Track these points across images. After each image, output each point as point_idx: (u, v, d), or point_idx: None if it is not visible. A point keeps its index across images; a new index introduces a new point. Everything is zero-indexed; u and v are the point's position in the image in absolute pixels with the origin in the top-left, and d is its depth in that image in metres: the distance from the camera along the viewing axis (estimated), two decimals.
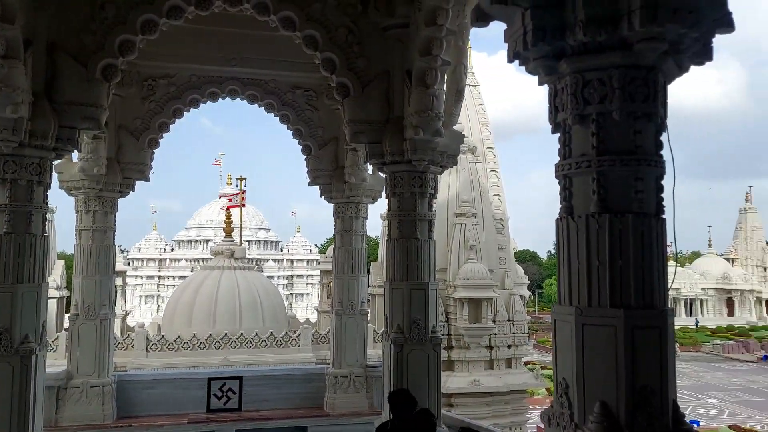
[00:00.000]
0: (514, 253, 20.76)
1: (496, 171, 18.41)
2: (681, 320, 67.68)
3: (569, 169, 3.15)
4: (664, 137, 3.14)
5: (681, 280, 69.96)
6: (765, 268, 74.39)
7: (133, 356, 14.08)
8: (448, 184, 17.13)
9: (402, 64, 6.23)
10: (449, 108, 6.75)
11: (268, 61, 8.87)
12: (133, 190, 9.08)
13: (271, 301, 17.28)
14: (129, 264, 51.00)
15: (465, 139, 16.95)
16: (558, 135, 3.25)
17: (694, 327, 62.16)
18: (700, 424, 29.37)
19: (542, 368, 42.94)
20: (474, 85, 18.01)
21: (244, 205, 28.37)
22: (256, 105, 9.25)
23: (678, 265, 74.26)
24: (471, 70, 18.22)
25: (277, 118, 9.33)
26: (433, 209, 6.74)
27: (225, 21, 7.87)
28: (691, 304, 71.34)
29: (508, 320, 16.79)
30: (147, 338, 14.33)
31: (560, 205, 3.23)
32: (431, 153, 6.27)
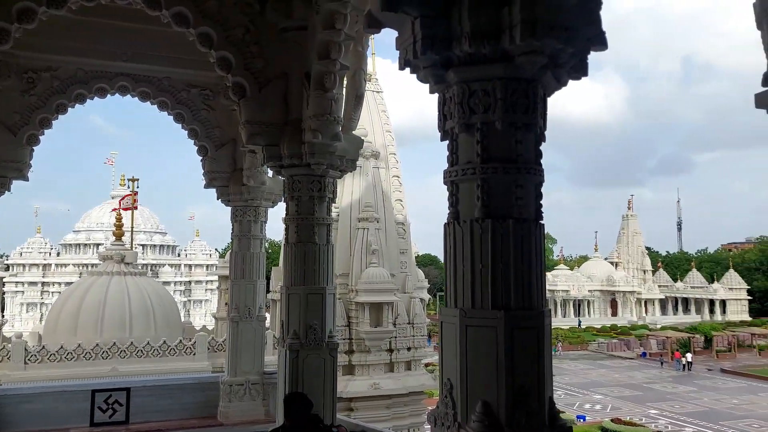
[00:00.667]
0: (416, 257, 21.18)
1: (398, 176, 18.69)
2: (569, 321, 71.83)
3: (456, 176, 3.24)
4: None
5: (570, 283, 74.28)
6: (644, 271, 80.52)
7: (9, 369, 13.02)
8: (352, 189, 17.20)
9: (301, 66, 6.18)
10: (349, 112, 6.78)
11: (161, 58, 8.52)
12: (9, 190, 8.40)
13: (165, 307, 16.56)
14: (8, 269, 47.14)
15: (368, 144, 17.22)
16: (446, 142, 3.35)
17: (577, 327, 66.17)
18: (586, 418, 31.26)
19: None
20: (377, 91, 18.22)
21: (136, 207, 27.03)
22: (149, 103, 8.85)
23: (567, 268, 78.80)
24: (374, 76, 18.44)
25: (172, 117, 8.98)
26: (332, 213, 6.73)
27: (115, 14, 7.47)
28: (579, 305, 75.84)
29: (409, 323, 17.06)
30: (25, 349, 13.29)
31: (448, 211, 3.32)
32: (330, 157, 6.26)
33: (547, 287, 54.06)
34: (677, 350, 49.43)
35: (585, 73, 3.33)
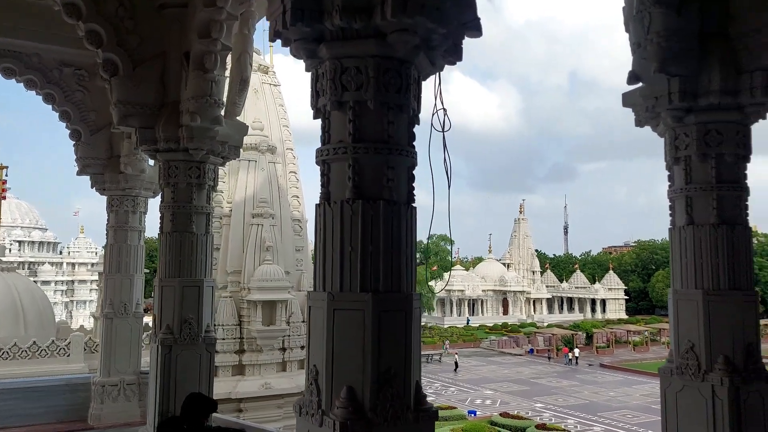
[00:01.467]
0: (312, 254, 20.89)
1: (295, 172, 18.38)
2: (463, 319, 74.20)
3: (327, 155, 3.13)
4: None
5: (465, 283, 76.75)
6: (533, 272, 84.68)
7: None
8: (246, 183, 16.70)
9: (180, 45, 5.83)
10: (233, 97, 6.51)
11: (30, 32, 7.77)
12: None
13: (37, 306, 15.29)
14: None
15: (264, 139, 16.82)
16: (319, 121, 3.23)
17: (466, 325, 68.53)
18: (477, 413, 32.31)
19: None
20: (275, 85, 17.83)
21: (4, 197, 24.78)
22: (14, 80, 8.08)
23: (463, 269, 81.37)
24: (272, 69, 18.04)
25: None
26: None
27: None
28: (473, 304, 78.54)
29: (303, 321, 16.80)
30: None
31: (319, 192, 3.20)
32: (210, 142, 5.96)
33: (444, 287, 55.36)
34: (565, 346, 52.55)
35: (459, 58, 3.32)
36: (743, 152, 4.35)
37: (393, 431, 2.88)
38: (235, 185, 16.68)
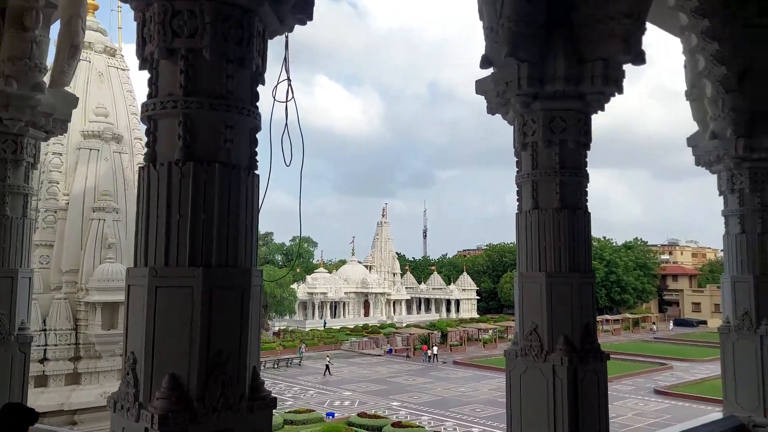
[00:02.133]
0: None
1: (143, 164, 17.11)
2: (328, 322, 74.16)
3: (154, 110, 2.73)
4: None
5: (328, 285, 76.79)
6: (394, 274, 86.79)
7: None
8: (86, 174, 15.20)
9: None
10: (61, 64, 5.75)
11: None
12: None
13: None
14: None
15: (109, 126, 15.44)
16: (146, 72, 2.82)
17: (323, 328, 68.53)
18: (335, 415, 32.23)
19: None
20: (123, 69, 16.46)
21: None
22: None
23: (326, 271, 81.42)
24: (120, 52, 16.66)
25: None
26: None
27: None
28: (335, 307, 78.77)
29: None
30: None
31: (144, 152, 2.79)
32: (30, 112, 5.19)
33: (307, 290, 54.87)
34: (425, 344, 54.47)
35: (309, 17, 3.08)
36: (584, 140, 4.54)
37: (224, 423, 2.55)
38: (73, 175, 15.15)
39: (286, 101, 3.08)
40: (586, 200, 4.55)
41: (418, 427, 28.88)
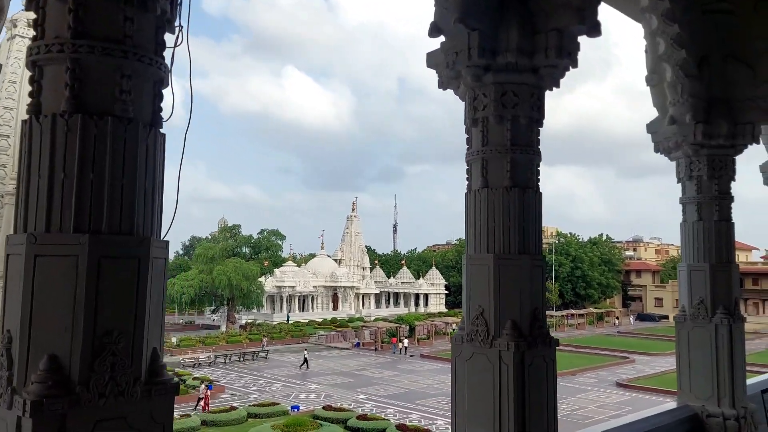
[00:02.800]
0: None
1: (15, 83, 16.15)
2: (294, 316, 73.72)
3: (39, 54, 2.39)
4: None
5: (297, 279, 76.22)
6: (363, 268, 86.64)
7: None
8: None
9: None
10: None
11: None
12: None
13: None
14: None
15: None
16: (32, 13, 2.48)
17: (286, 322, 67.93)
18: (300, 408, 31.93)
19: None
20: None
21: None
22: None
23: (295, 265, 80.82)
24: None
25: None
26: None
27: None
28: (304, 300, 78.28)
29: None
30: None
31: (27, 103, 2.45)
32: None
33: (275, 283, 54.49)
34: (393, 337, 54.71)
35: None
36: (537, 116, 4.31)
37: (114, 409, 2.24)
38: None
39: (174, 46, 2.76)
40: (538, 179, 4.33)
41: (383, 419, 28.77)
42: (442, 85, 4.61)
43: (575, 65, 4.25)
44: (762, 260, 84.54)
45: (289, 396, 35.89)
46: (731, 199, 6.64)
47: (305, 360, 45.20)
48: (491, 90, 4.22)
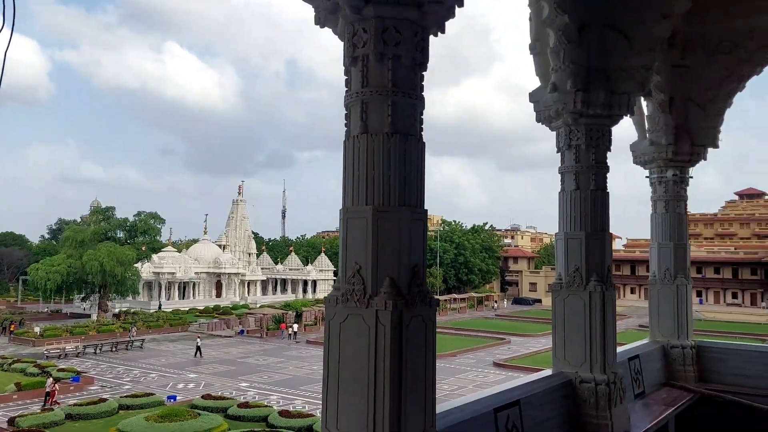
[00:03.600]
0: None
1: None
2: (173, 303, 70.41)
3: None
4: None
5: (177, 265, 72.69)
6: (250, 254, 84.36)
7: None
8: None
9: None
10: None
11: None
12: None
13: None
14: None
15: None
16: None
17: (158, 310, 64.89)
18: (177, 398, 30.38)
19: (15, 362, 37.58)
20: None
21: None
22: None
23: (175, 250, 77.03)
24: None
25: None
26: None
27: None
28: (185, 288, 74.90)
29: None
30: None
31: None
32: None
33: (153, 269, 51.83)
34: (282, 323, 53.93)
35: None
36: (421, 58, 3.98)
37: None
38: None
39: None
40: (422, 128, 4.00)
41: (266, 406, 28.04)
42: (320, 21, 4.16)
43: (460, 4, 3.96)
44: (623, 248, 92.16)
45: (166, 386, 34.08)
46: (607, 168, 6.76)
47: (198, 348, 43.29)
48: (371, 25, 3.82)
